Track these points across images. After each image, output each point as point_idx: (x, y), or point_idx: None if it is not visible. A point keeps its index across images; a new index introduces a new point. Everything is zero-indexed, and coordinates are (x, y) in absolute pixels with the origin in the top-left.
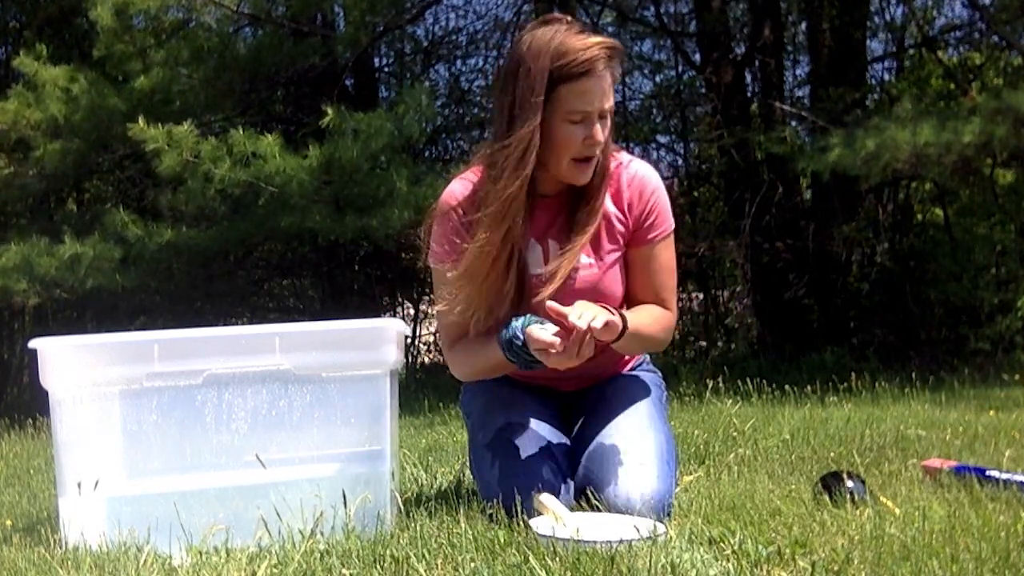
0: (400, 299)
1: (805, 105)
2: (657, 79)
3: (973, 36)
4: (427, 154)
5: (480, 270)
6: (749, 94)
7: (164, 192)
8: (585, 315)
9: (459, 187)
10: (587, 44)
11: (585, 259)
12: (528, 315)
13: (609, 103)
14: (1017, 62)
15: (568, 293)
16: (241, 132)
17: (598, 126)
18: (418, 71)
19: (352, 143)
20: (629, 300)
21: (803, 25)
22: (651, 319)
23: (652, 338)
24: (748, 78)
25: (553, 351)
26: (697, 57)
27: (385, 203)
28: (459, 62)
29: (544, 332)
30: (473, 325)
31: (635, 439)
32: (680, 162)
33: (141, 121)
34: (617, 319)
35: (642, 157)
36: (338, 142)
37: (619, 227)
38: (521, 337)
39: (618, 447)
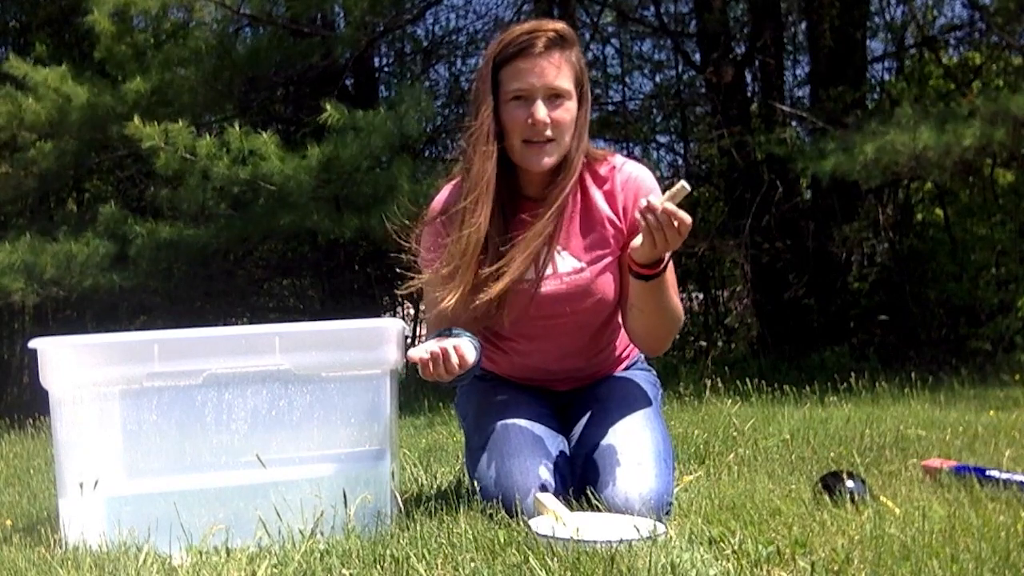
0: (400, 299)
1: (805, 105)
2: (657, 79)
3: (973, 36)
4: (427, 154)
5: (461, 259)
6: (749, 94)
7: (163, 190)
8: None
9: (445, 192)
10: (527, 29)
11: (576, 263)
12: (466, 335)
13: (556, 82)
14: (1017, 62)
15: (557, 297)
16: (237, 129)
17: (539, 104)
18: (418, 71)
19: (352, 141)
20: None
21: (803, 25)
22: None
23: (675, 309)
24: (748, 78)
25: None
26: (697, 57)
27: (385, 202)
28: (459, 62)
29: (420, 351)
30: (451, 315)
31: (632, 439)
32: (680, 162)
33: (136, 119)
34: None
35: (642, 157)
36: (337, 141)
37: (611, 230)
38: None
39: (615, 447)
